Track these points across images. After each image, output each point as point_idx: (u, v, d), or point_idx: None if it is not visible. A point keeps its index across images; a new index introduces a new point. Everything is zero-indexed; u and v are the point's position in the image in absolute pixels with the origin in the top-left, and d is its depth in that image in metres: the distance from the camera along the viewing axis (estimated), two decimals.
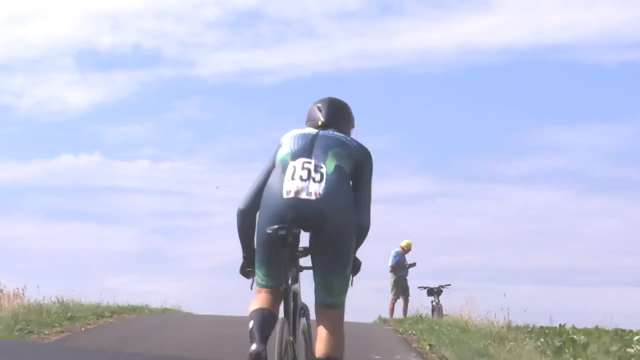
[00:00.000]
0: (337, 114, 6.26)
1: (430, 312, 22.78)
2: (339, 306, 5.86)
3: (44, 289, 16.22)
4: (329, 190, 5.72)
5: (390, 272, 22.98)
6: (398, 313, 23.39)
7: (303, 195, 5.69)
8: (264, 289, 5.90)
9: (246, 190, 6.11)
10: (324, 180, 5.74)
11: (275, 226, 5.59)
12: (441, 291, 23.47)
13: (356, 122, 6.42)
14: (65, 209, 51.69)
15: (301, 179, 5.74)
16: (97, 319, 15.15)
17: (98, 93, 54.04)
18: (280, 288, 5.79)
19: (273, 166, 6.00)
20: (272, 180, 5.85)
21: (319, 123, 6.18)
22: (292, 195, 5.69)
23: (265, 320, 5.67)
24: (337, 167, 5.83)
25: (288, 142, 5.99)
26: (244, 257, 6.18)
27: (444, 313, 22.13)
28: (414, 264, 23.36)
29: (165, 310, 20.57)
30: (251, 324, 5.63)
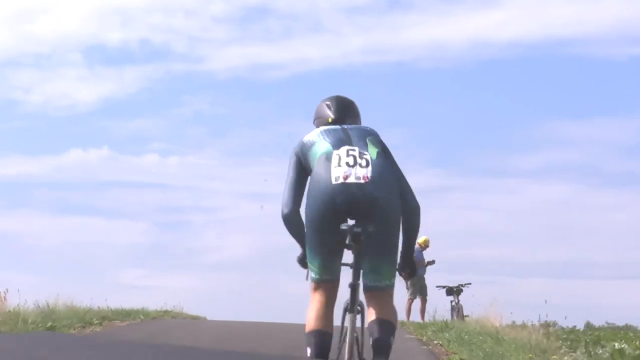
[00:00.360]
0: (346, 111, 6.44)
1: (449, 313, 21.66)
2: (389, 289, 6.01)
3: (44, 287, 14.69)
4: (376, 174, 5.83)
5: None
6: (415, 314, 22.36)
7: (352, 180, 5.78)
8: (321, 285, 5.99)
9: (283, 195, 6.14)
10: (370, 165, 5.86)
11: (352, 222, 5.69)
12: (461, 290, 22.29)
13: (362, 118, 6.58)
14: (74, 204, 51.04)
15: (348, 165, 5.85)
16: (84, 327, 13.35)
17: (107, 88, 53.38)
18: (338, 280, 6.01)
19: (301, 165, 6.14)
20: (318, 170, 5.92)
21: (330, 120, 6.36)
22: (341, 180, 5.78)
23: (323, 343, 5.82)
24: (379, 153, 6.00)
25: (321, 138, 6.10)
26: (302, 252, 6.17)
27: (464, 314, 20.92)
28: (432, 262, 21.96)
29: (165, 313, 18.97)
30: (309, 351, 5.83)
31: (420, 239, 20.91)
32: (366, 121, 6.57)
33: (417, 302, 22.16)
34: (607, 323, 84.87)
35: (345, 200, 5.76)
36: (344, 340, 5.82)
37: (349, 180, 5.79)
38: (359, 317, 6.05)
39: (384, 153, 6.09)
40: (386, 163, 6.02)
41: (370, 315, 5.94)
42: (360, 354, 6.00)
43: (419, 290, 21.83)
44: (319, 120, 6.43)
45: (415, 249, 19.47)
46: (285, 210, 6.08)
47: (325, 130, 6.18)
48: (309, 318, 5.95)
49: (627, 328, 71.50)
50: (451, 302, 22.08)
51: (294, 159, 6.19)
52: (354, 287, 5.81)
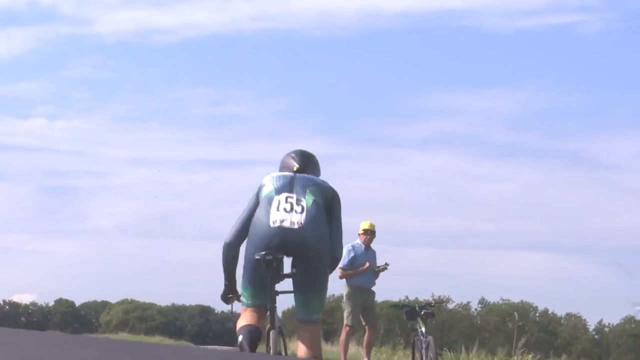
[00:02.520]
0: (308, 162, 6.99)
1: (410, 352, 13.51)
2: (317, 322, 6.57)
3: None
4: (309, 220, 6.37)
5: (341, 277, 14.19)
6: (355, 348, 18.55)
7: (287, 224, 6.34)
8: (250, 308, 6.59)
9: (232, 226, 6.74)
10: (304, 212, 6.39)
11: (263, 252, 6.24)
12: (431, 314, 12.87)
13: (321, 170, 7.16)
14: None
15: (285, 210, 6.39)
16: None
17: None
18: (266, 306, 6.45)
19: (256, 205, 6.63)
20: (259, 212, 6.49)
21: (295, 169, 6.84)
22: (277, 224, 6.34)
23: (253, 335, 6.35)
24: (314, 202, 6.50)
25: (270, 182, 6.65)
26: (225, 285, 6.87)
27: (436, 351, 12.34)
28: (385, 266, 14.50)
29: None
30: (240, 337, 6.33)
31: (363, 225, 14.50)
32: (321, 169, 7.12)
33: (356, 331, 15.06)
34: (502, 299, 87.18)
35: (279, 242, 6.28)
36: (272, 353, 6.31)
37: (284, 225, 6.31)
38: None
39: (324, 202, 6.59)
40: (321, 212, 6.47)
41: (300, 351, 6.50)
42: None
43: (361, 313, 14.20)
44: (285, 169, 6.90)
45: (356, 244, 14.39)
46: (228, 240, 6.66)
47: (278, 176, 6.70)
48: (239, 324, 6.52)
49: (524, 305, 74.60)
50: (414, 332, 12.77)
51: (253, 198, 6.74)
52: (271, 309, 6.38)
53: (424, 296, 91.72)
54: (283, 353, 6.77)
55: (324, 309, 6.68)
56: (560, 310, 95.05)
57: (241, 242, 6.67)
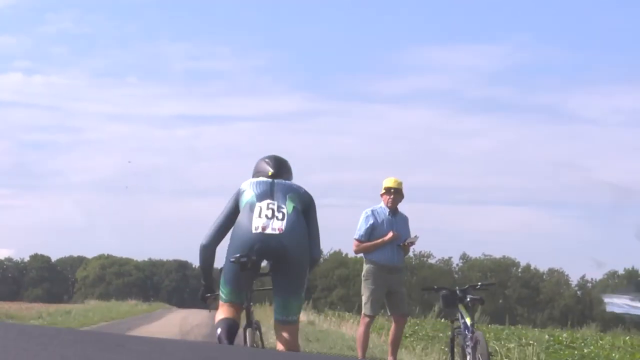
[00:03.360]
0: (282, 167, 7.14)
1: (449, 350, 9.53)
2: (295, 322, 6.78)
3: None
4: (290, 226, 6.56)
5: (357, 252, 11.15)
6: (377, 343, 15.78)
7: (268, 231, 6.51)
8: (227, 303, 6.77)
9: (209, 228, 6.92)
10: (285, 219, 6.57)
11: (237, 255, 6.44)
12: (480, 300, 8.95)
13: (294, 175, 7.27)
14: None
15: (267, 217, 6.57)
16: None
17: None
18: (242, 304, 6.75)
19: (234, 209, 6.83)
20: (241, 218, 6.64)
21: (270, 174, 7.01)
22: (259, 230, 6.51)
23: (231, 328, 6.57)
24: (294, 208, 6.69)
25: (250, 188, 6.83)
26: (203, 285, 7.17)
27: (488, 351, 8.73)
28: (414, 239, 11.03)
29: None
30: (219, 330, 6.56)
31: (386, 182, 10.99)
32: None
33: (379, 323, 12.89)
34: (484, 255, 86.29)
35: (261, 247, 6.48)
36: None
37: (266, 231, 6.51)
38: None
39: (303, 208, 6.79)
40: (300, 218, 6.69)
41: (280, 346, 6.70)
42: None
43: (386, 298, 10.84)
44: (260, 174, 7.09)
45: (379, 208, 10.95)
46: (205, 242, 6.88)
47: (257, 182, 6.91)
48: (217, 317, 6.75)
49: (506, 261, 72.98)
50: (454, 323, 9.20)
51: (231, 202, 6.92)
52: (247, 308, 6.73)
53: None
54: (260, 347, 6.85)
55: (301, 310, 6.95)
56: (542, 265, 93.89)
57: (217, 244, 6.90)
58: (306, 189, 7.02)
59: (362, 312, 10.99)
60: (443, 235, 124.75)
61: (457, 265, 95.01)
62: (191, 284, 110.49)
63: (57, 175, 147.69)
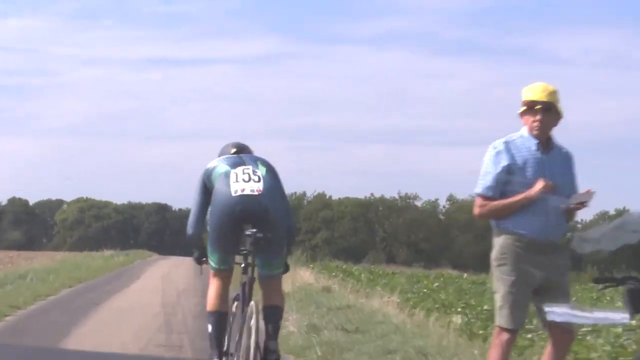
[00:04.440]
0: (244, 149, 7.28)
1: None
2: (279, 275, 7.02)
3: None
4: (267, 187, 6.82)
5: (481, 216, 6.53)
6: None
7: (247, 192, 6.74)
8: (218, 273, 7.02)
9: (190, 217, 7.16)
10: (261, 181, 6.84)
11: (254, 230, 6.61)
12: None
13: None
14: None
15: (244, 180, 6.82)
16: None
17: None
18: (231, 270, 7.05)
19: (205, 189, 7.07)
20: (219, 186, 6.88)
21: (232, 152, 7.18)
22: (239, 192, 6.74)
23: (221, 322, 6.91)
24: (268, 171, 6.99)
25: (221, 163, 7.04)
26: (196, 253, 7.21)
27: None
28: (587, 198, 6.19)
29: None
30: (210, 328, 6.95)
31: (531, 90, 6.35)
32: None
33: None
34: (471, 196, 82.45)
35: (242, 209, 6.70)
36: (232, 326, 7.00)
37: (245, 192, 6.73)
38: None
39: (272, 173, 7.01)
40: (274, 179, 6.99)
41: (266, 300, 6.94)
42: (257, 342, 6.57)
43: (535, 299, 6.26)
44: (223, 155, 7.20)
45: (518, 139, 6.32)
46: (190, 232, 7.17)
47: (224, 158, 7.11)
48: (209, 298, 7.03)
49: None
50: None
51: (200, 184, 7.10)
52: (250, 281, 6.81)
53: (391, 193, 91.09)
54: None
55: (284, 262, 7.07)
56: None
57: (201, 228, 7.10)
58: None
59: (496, 322, 6.39)
60: (426, 177, 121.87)
61: (444, 207, 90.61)
62: (171, 226, 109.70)
63: (32, 118, 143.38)
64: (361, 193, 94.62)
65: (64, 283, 19.65)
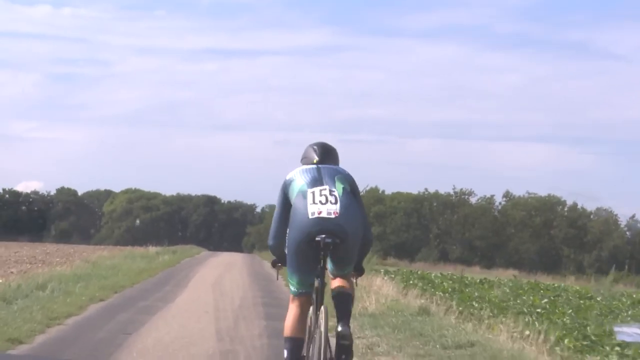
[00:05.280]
0: (328, 154, 7.28)
1: None
2: (350, 273, 7.03)
3: None
4: (343, 208, 6.80)
5: None
6: None
7: (324, 215, 6.74)
8: (298, 297, 6.95)
9: (272, 227, 7.19)
10: (338, 202, 6.82)
11: (323, 235, 6.67)
12: None
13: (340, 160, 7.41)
14: None
15: (321, 202, 6.79)
16: None
17: None
18: (310, 294, 6.93)
19: (285, 201, 7.08)
20: (297, 206, 6.88)
21: (314, 161, 7.18)
22: (316, 215, 6.75)
23: (296, 349, 6.84)
24: (344, 190, 6.96)
25: (299, 176, 7.04)
26: (274, 259, 7.36)
27: None
28: None
29: None
30: (286, 354, 6.84)
31: None
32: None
33: None
34: (528, 193, 77.70)
35: (319, 231, 6.69)
36: (313, 338, 6.83)
37: (322, 215, 6.72)
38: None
39: (351, 189, 7.03)
40: (351, 199, 6.94)
41: (336, 283, 6.91)
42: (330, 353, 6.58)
43: None
44: (305, 160, 7.25)
45: None
46: (271, 243, 7.19)
47: (303, 170, 7.10)
48: (287, 324, 6.93)
49: (551, 200, 64.32)
50: None
51: (281, 196, 7.12)
52: (321, 286, 6.84)
53: (445, 189, 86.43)
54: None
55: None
56: (588, 205, 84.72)
57: (282, 239, 7.06)
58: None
59: None
60: (478, 172, 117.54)
61: (500, 203, 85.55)
62: (219, 218, 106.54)
63: (84, 108, 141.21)
64: (414, 188, 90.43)
65: (93, 296, 15.36)
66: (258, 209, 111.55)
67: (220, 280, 22.80)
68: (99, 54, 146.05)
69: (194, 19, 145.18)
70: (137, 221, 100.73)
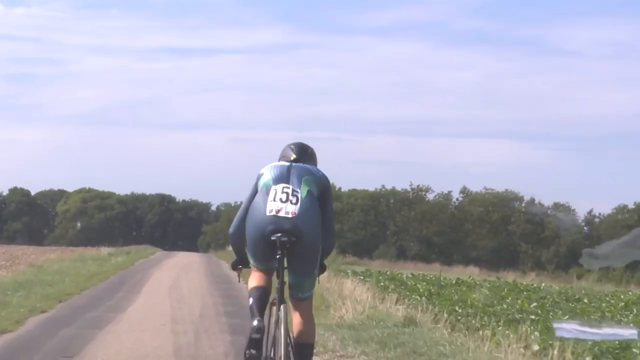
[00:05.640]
0: (305, 154, 7.14)
1: None
2: (308, 299, 6.85)
3: None
4: (303, 210, 6.65)
5: None
6: None
7: (282, 214, 6.63)
8: (258, 270, 6.88)
9: (236, 217, 7.01)
10: (299, 203, 6.67)
11: (279, 234, 6.55)
12: None
13: (318, 161, 7.23)
14: None
15: (281, 200, 6.68)
16: None
17: None
18: (271, 271, 6.79)
19: (255, 193, 6.90)
20: (258, 199, 6.80)
21: (291, 158, 7.05)
22: (273, 213, 6.64)
23: (262, 296, 6.73)
24: (309, 192, 6.77)
25: (268, 171, 6.91)
26: (235, 259, 7.19)
27: None
28: None
29: None
30: (251, 300, 6.71)
31: None
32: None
33: None
34: (485, 188, 76.56)
35: (274, 229, 6.59)
36: (274, 338, 6.64)
37: (279, 214, 6.61)
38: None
39: (319, 192, 6.84)
40: (313, 202, 6.74)
41: (296, 326, 6.73)
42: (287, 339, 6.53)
43: None
44: (283, 159, 7.09)
45: None
46: (231, 231, 7.03)
47: (275, 165, 6.96)
48: (250, 283, 6.85)
49: (508, 195, 63.20)
50: None
51: (252, 188, 6.97)
52: (281, 285, 6.65)
53: (402, 185, 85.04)
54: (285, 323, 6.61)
55: (314, 287, 6.88)
56: (546, 200, 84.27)
57: (243, 231, 6.86)
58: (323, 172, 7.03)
59: None
60: (436, 168, 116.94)
61: (457, 200, 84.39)
62: (175, 217, 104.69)
63: (39, 108, 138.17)
64: (371, 185, 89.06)
65: (34, 307, 13.37)
66: (213, 208, 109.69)
67: (177, 284, 20.84)
68: (53, 53, 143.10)
69: (148, 17, 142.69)
70: (79, 224, 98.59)
